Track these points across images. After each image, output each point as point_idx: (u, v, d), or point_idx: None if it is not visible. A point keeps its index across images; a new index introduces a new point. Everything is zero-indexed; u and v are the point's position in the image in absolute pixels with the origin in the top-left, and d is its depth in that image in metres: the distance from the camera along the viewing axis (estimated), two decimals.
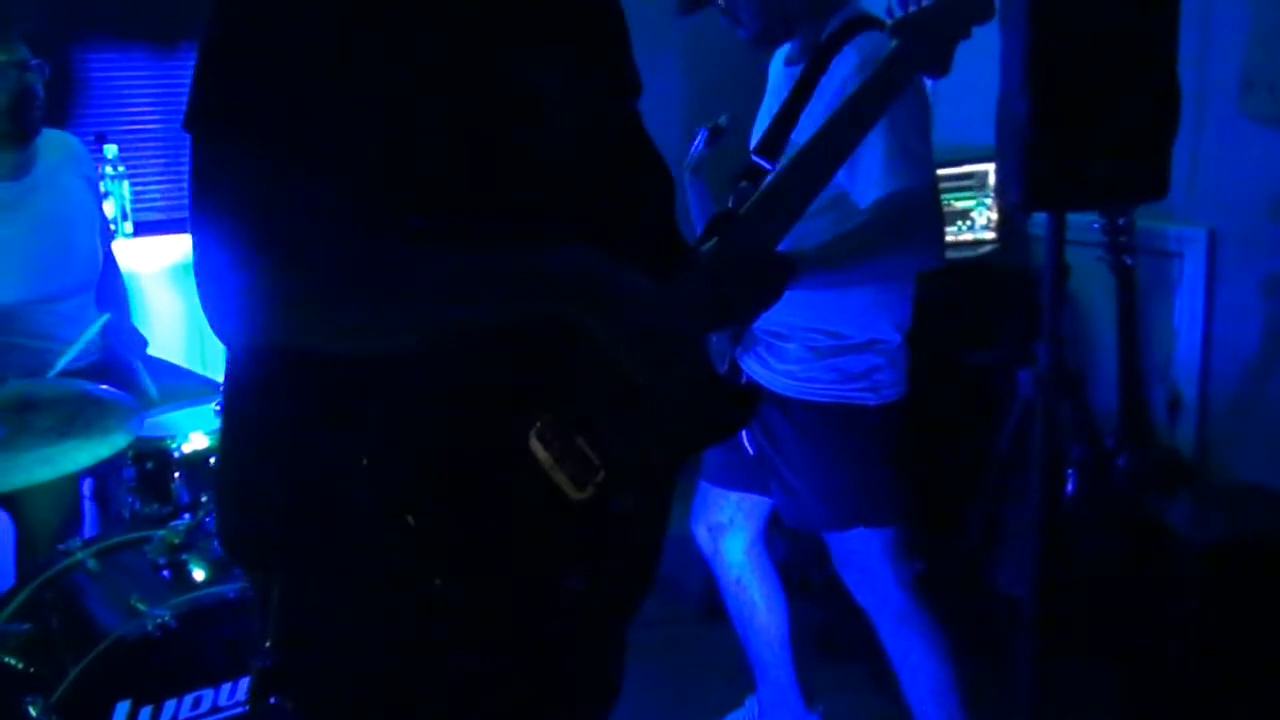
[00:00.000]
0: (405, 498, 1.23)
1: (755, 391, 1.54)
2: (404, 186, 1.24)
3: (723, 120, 2.76)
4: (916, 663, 2.61)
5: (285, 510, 1.30)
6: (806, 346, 2.51)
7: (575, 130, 1.36)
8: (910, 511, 2.61)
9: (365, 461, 1.22)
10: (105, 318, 3.04)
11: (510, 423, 1.28)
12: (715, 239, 1.54)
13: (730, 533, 2.86)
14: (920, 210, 2.29)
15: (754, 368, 2.61)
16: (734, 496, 2.83)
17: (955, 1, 1.87)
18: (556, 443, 1.29)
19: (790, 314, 2.51)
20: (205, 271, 1.19)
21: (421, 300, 1.23)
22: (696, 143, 2.78)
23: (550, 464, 1.28)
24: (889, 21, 1.86)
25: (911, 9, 1.86)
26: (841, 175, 2.34)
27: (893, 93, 1.80)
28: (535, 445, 1.28)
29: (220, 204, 1.18)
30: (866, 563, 2.61)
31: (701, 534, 2.91)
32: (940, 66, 1.86)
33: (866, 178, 2.28)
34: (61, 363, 2.83)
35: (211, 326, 1.21)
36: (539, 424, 1.28)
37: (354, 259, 1.20)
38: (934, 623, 2.60)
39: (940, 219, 2.36)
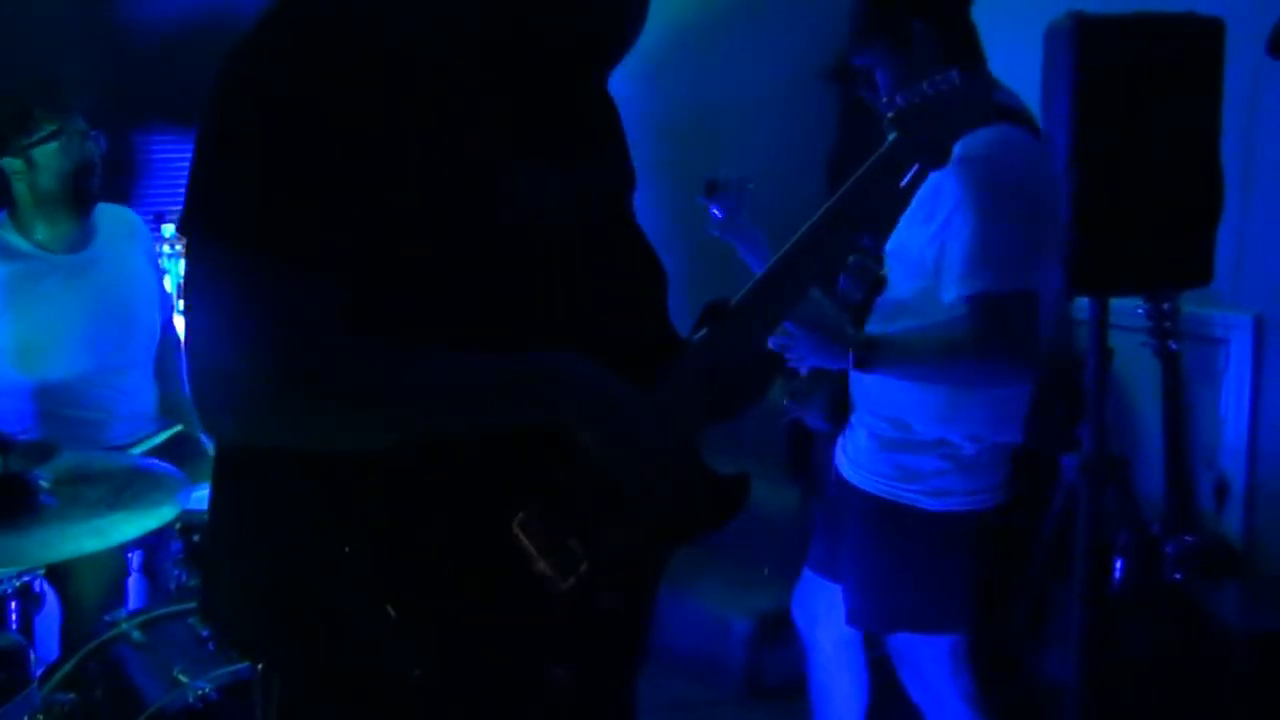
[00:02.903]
0: (385, 587, 1.24)
1: (745, 483, 1.53)
2: (400, 286, 1.24)
3: (721, 175, 2.72)
4: None
5: (272, 599, 1.30)
6: (872, 434, 2.46)
7: (574, 224, 1.36)
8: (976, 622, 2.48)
9: (347, 550, 1.24)
10: (177, 429, 3.08)
11: (493, 514, 1.28)
12: (705, 331, 1.51)
13: (824, 623, 2.73)
14: (1007, 321, 2.17)
15: (838, 452, 2.58)
16: (831, 587, 2.67)
17: (955, 95, 1.86)
18: (539, 533, 1.28)
19: (862, 398, 2.48)
20: (196, 370, 1.20)
21: (411, 408, 1.24)
22: (711, 210, 2.73)
23: (533, 555, 1.28)
24: (890, 114, 1.83)
25: (915, 100, 1.85)
26: (931, 268, 2.28)
27: (888, 185, 1.76)
28: (518, 535, 1.28)
29: (212, 307, 1.19)
30: (923, 667, 2.53)
31: (800, 617, 2.81)
32: (939, 158, 1.84)
33: (949, 272, 2.23)
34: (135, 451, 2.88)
35: (201, 422, 1.22)
36: (522, 515, 1.28)
37: (346, 365, 1.21)
38: None
39: (1034, 331, 2.20)
